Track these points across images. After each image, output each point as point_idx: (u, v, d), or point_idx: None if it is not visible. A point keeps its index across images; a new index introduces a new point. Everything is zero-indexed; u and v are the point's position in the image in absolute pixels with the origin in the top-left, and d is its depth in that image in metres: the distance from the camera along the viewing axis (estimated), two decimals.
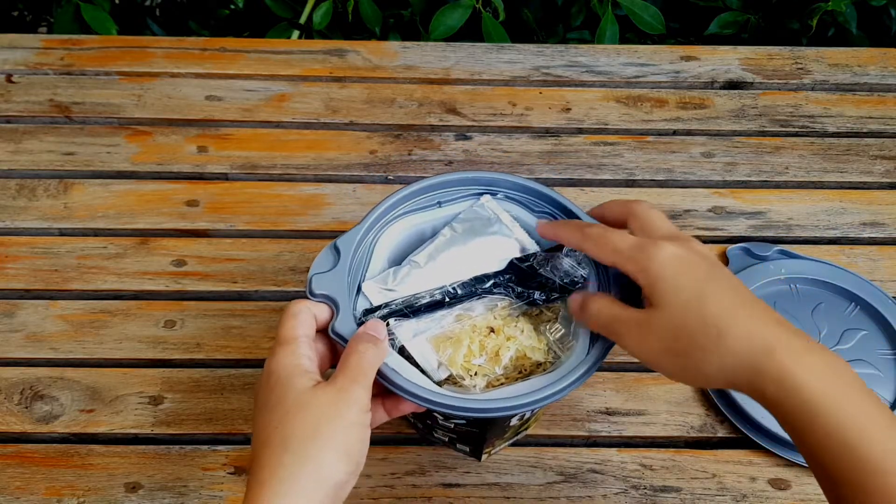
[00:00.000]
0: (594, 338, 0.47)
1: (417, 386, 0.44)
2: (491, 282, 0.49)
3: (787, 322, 0.41)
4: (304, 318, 0.45)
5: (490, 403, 0.44)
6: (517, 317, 0.49)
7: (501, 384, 0.47)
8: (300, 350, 0.43)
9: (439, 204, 0.53)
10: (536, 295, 0.48)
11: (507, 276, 0.49)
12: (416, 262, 0.50)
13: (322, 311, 0.46)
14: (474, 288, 0.48)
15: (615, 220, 0.48)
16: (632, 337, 0.43)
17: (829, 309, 0.65)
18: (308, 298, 0.46)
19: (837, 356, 0.39)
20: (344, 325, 0.45)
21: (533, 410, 0.50)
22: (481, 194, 0.53)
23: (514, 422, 0.51)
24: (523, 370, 0.48)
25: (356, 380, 0.42)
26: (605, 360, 0.62)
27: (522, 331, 0.48)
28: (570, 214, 0.51)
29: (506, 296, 0.49)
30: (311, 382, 0.42)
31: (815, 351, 0.39)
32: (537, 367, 0.48)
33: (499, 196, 0.53)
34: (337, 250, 0.48)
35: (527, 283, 0.49)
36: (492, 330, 0.47)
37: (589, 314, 0.45)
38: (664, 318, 0.41)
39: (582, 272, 0.49)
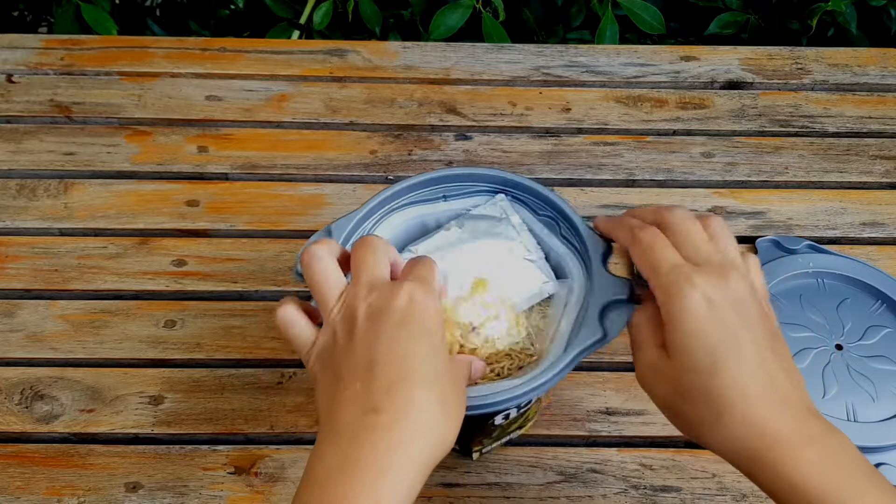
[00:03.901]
0: (574, 333, 0.46)
1: None
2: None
3: (797, 399, 0.38)
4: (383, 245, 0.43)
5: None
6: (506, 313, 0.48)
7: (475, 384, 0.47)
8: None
9: (444, 198, 0.52)
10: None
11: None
12: (413, 252, 0.50)
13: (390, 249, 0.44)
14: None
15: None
16: (644, 373, 0.41)
17: (854, 305, 0.65)
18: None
19: (842, 438, 0.37)
20: None
21: (519, 408, 0.50)
22: (487, 192, 0.53)
23: (498, 420, 0.51)
24: (501, 372, 0.47)
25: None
26: (605, 360, 0.63)
27: (498, 318, 0.47)
28: (569, 221, 0.50)
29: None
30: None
31: (816, 441, 0.36)
32: (517, 370, 0.48)
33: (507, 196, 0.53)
34: (329, 234, 0.47)
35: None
36: (474, 328, 0.47)
37: (632, 319, 0.44)
38: (673, 373, 0.39)
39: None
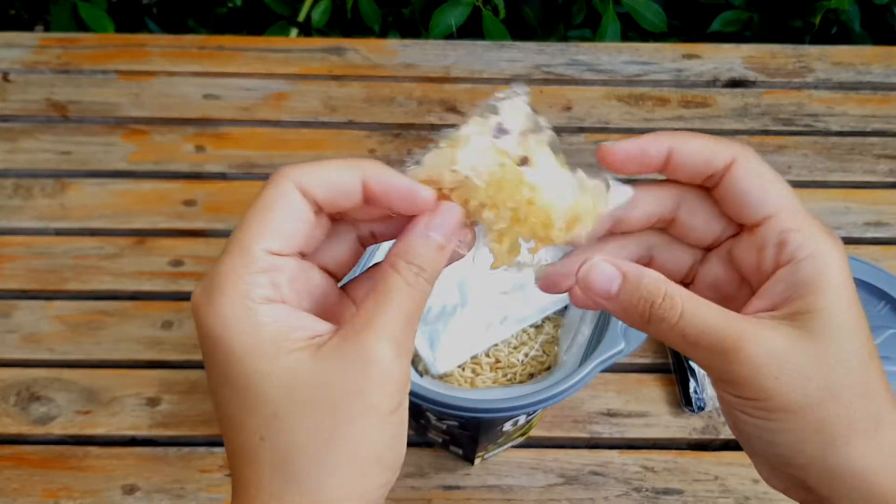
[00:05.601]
0: (592, 342, 0.46)
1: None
2: None
3: None
4: (281, 211, 0.27)
5: (481, 404, 0.43)
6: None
7: (488, 387, 0.46)
8: (259, 280, 0.25)
9: None
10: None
11: None
12: None
13: (328, 178, 0.27)
14: None
15: (695, 172, 0.28)
16: (768, 361, 0.26)
17: None
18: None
19: None
20: None
21: (529, 414, 0.49)
22: None
23: (507, 427, 0.50)
24: (513, 378, 0.47)
25: (393, 336, 0.25)
26: None
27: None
28: None
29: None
30: (303, 348, 0.25)
31: None
32: (528, 378, 0.47)
33: None
34: None
35: None
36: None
37: (665, 314, 0.27)
38: (823, 359, 0.26)
39: None
